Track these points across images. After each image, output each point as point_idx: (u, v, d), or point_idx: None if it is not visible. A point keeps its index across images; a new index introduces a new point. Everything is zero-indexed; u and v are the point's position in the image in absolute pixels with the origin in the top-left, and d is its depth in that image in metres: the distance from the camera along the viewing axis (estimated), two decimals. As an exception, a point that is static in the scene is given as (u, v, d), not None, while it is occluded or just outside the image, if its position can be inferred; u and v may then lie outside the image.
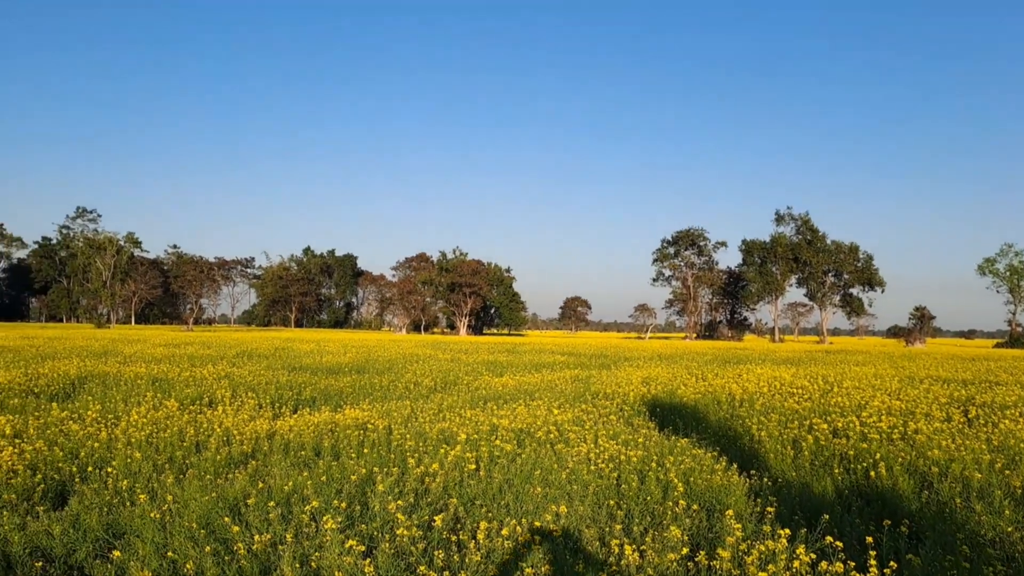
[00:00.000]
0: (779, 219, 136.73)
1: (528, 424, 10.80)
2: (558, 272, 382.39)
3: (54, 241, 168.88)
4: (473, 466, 8.12)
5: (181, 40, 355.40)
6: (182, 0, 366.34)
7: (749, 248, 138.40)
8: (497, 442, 9.23)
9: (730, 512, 6.47)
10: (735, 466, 8.46)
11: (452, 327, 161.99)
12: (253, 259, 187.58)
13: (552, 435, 10.00)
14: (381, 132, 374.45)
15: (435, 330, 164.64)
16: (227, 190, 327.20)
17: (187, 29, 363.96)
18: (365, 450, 8.93)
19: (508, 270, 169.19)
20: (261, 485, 7.35)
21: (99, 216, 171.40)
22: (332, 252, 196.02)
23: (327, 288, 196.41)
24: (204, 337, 52.93)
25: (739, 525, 6.09)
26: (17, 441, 9.36)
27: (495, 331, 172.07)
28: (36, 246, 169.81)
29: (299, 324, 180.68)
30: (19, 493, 7.26)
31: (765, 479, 8.18)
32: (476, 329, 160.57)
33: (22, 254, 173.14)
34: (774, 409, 13.24)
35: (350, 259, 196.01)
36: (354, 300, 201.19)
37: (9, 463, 8.06)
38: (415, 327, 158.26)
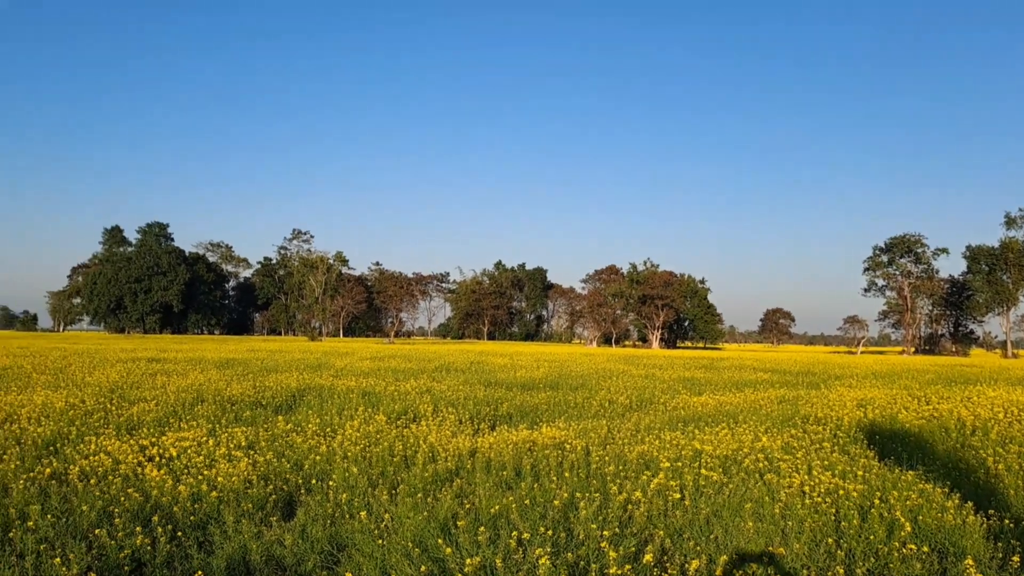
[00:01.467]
0: (1009, 222, 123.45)
1: (733, 450, 10.35)
2: (757, 282, 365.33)
3: (274, 261, 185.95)
4: (678, 495, 7.89)
5: (367, 68, 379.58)
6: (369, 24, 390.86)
7: (975, 255, 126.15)
8: (702, 470, 8.92)
9: (969, 560, 5.83)
10: (969, 504, 7.62)
11: (644, 340, 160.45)
12: (448, 274, 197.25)
13: (761, 464, 9.52)
14: (568, 145, 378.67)
15: (626, 343, 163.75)
16: (424, 208, 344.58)
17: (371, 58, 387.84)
18: (566, 473, 8.93)
19: (703, 281, 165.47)
20: (468, 505, 7.55)
21: (312, 237, 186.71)
22: (522, 266, 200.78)
23: (518, 301, 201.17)
24: (405, 350, 55.81)
25: (979, 575, 5.47)
26: (251, 452, 10.26)
27: (689, 344, 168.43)
28: (259, 266, 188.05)
29: (491, 337, 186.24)
30: (255, 503, 7.90)
31: (1006, 520, 7.32)
32: (669, 342, 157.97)
33: (248, 273, 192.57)
34: (1012, 439, 11.87)
35: (540, 272, 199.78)
36: (544, 313, 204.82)
37: (245, 473, 8.83)
38: (606, 340, 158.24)
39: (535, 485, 8.43)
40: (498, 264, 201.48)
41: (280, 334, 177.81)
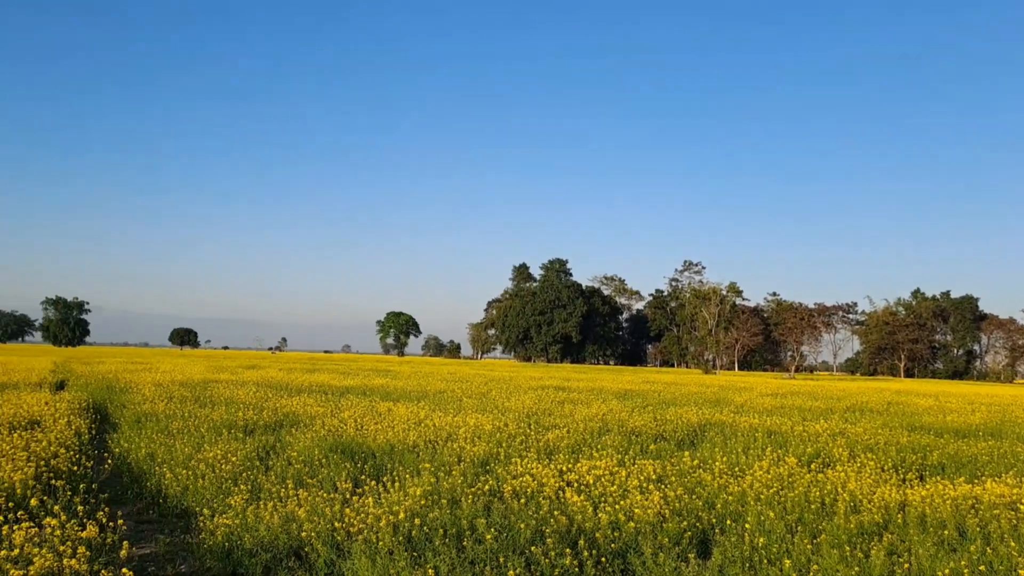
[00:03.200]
0: None
1: None
2: None
3: (665, 293, 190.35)
4: None
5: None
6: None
7: None
8: None
9: None
10: None
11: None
12: (855, 304, 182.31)
13: None
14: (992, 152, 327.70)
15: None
16: (825, 234, 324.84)
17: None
18: (1028, 540, 7.56)
19: None
20: (906, 565, 6.76)
21: (704, 268, 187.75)
22: (946, 294, 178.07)
23: (941, 334, 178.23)
24: (808, 387, 52.72)
25: None
26: (661, 486, 10.40)
27: None
28: (651, 298, 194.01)
29: (909, 374, 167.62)
30: (670, 537, 7.96)
31: None
32: None
33: (640, 305, 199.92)
34: None
35: (969, 301, 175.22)
36: (976, 348, 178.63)
37: (658, 507, 8.96)
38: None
39: (987, 549, 7.26)
40: (916, 292, 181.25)
41: (672, 366, 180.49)
